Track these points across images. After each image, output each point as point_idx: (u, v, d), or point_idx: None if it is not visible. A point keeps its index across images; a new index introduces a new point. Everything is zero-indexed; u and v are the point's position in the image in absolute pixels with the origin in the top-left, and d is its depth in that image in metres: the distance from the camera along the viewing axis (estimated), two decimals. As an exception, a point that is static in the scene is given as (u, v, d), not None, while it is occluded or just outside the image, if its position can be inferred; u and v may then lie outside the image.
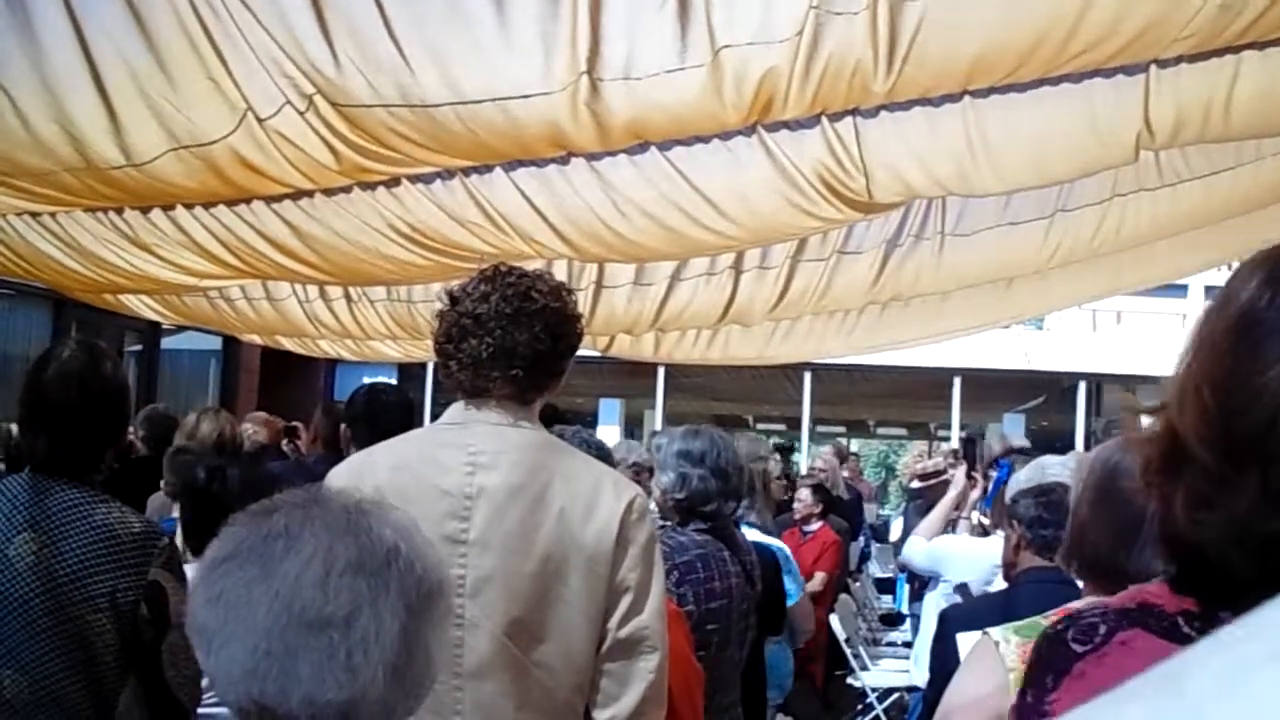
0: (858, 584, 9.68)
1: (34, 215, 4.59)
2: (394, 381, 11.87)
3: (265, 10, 2.90)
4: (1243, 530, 0.91)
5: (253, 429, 6.29)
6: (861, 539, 10.53)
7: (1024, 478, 3.29)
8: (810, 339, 7.48)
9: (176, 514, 3.60)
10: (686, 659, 2.73)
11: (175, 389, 12.01)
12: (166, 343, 11.54)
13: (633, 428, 18.82)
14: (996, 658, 1.95)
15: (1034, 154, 3.79)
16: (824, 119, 3.45)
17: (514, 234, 4.22)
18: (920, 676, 4.94)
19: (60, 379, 2.54)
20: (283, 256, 4.64)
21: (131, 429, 5.38)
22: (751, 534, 4.42)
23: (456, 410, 2.34)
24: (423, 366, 12.31)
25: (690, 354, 7.92)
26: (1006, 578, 3.13)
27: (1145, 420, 1.07)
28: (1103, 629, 1.04)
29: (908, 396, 19.62)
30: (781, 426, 22.42)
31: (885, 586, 10.62)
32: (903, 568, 6.88)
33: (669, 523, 3.42)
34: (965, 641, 2.48)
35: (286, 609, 1.21)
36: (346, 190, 4.13)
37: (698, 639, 3.04)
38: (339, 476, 2.26)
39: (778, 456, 7.66)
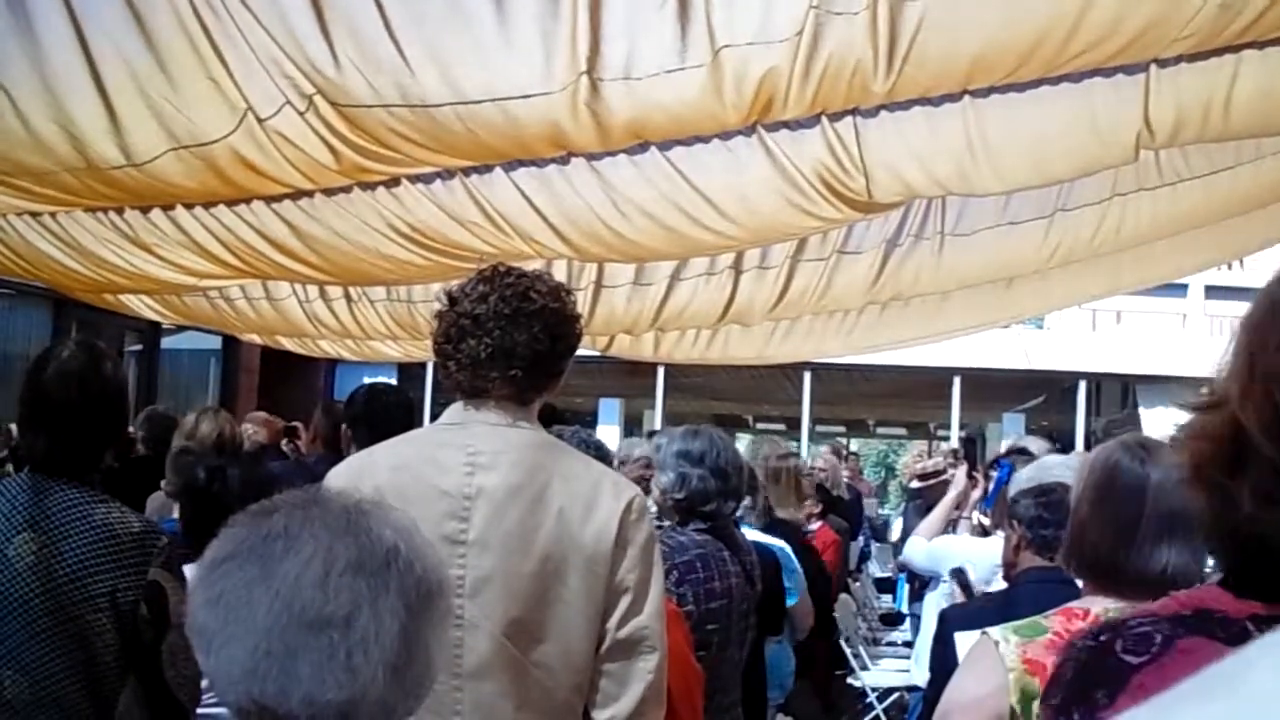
0: (858, 584, 9.68)
1: (34, 215, 4.59)
2: (394, 381, 11.87)
3: (265, 10, 2.90)
4: None
5: (252, 429, 6.29)
6: (861, 538, 10.52)
7: (1026, 477, 3.29)
8: (810, 339, 7.47)
9: (176, 514, 3.60)
10: (686, 659, 2.73)
11: (175, 389, 12.01)
12: (166, 342, 11.54)
13: (633, 428, 18.83)
14: (996, 657, 1.95)
15: (1034, 154, 3.78)
16: (824, 119, 3.45)
17: (514, 234, 4.22)
18: (920, 676, 4.94)
19: (60, 379, 2.54)
20: (283, 256, 4.64)
21: (132, 429, 5.38)
22: (752, 534, 4.42)
23: (455, 411, 2.35)
24: (423, 366, 12.31)
25: (690, 354, 7.92)
26: (1006, 578, 3.13)
27: (1177, 418, 1.05)
28: (1158, 638, 1.00)
29: (908, 396, 19.63)
30: (781, 426, 22.41)
31: (885, 586, 10.62)
32: (903, 567, 6.88)
33: (667, 523, 3.42)
34: (964, 641, 2.48)
35: (286, 609, 1.22)
36: (346, 190, 4.13)
37: (698, 639, 3.04)
38: (338, 477, 2.27)
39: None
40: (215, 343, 11.85)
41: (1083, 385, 17.72)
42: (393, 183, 4.07)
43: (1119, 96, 3.39)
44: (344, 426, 4.36)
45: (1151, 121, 3.42)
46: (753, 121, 3.31)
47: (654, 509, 3.35)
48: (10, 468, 4.88)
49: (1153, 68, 3.27)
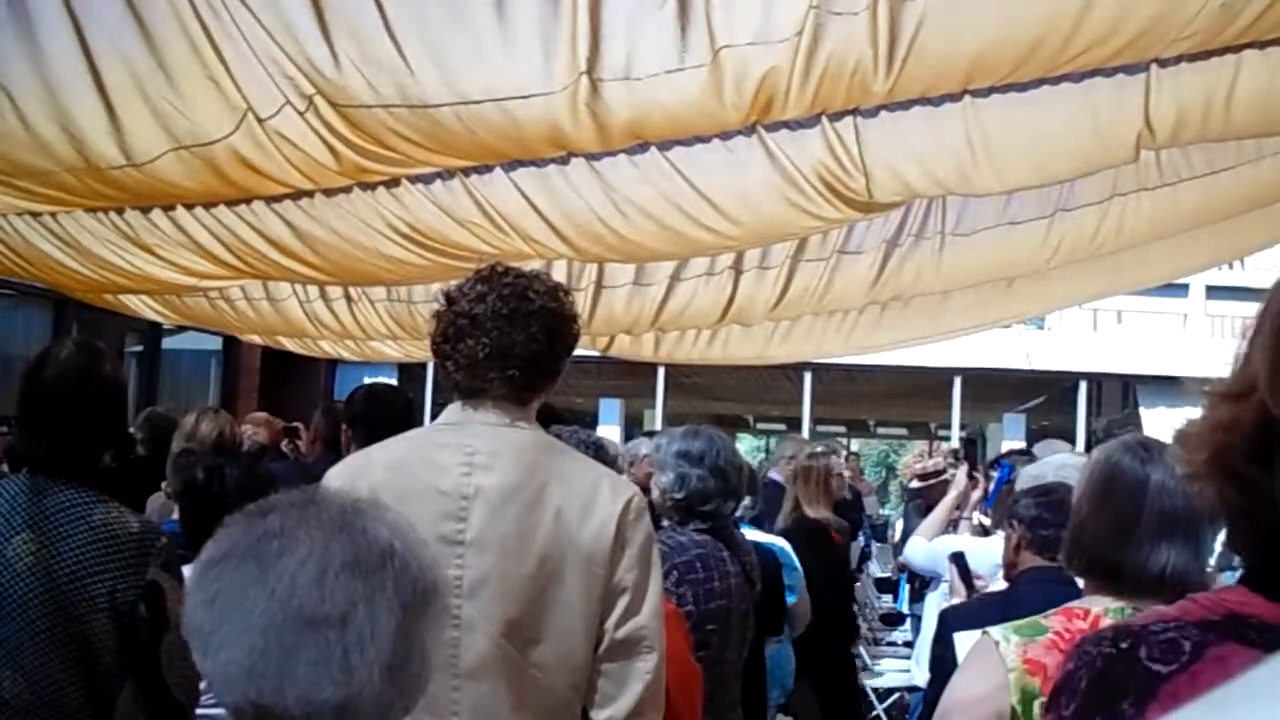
0: (858, 584, 9.67)
1: (34, 215, 4.59)
2: (394, 382, 11.87)
3: (265, 10, 2.90)
4: None
5: (252, 429, 6.28)
6: (862, 538, 10.52)
7: (1034, 474, 3.29)
8: (810, 339, 7.47)
9: (177, 516, 3.60)
10: (685, 659, 2.73)
11: (176, 389, 12.02)
12: (167, 343, 11.55)
13: (633, 428, 18.83)
14: (997, 657, 1.95)
15: (1034, 153, 3.78)
16: (824, 119, 3.45)
17: (514, 234, 4.22)
18: (921, 676, 4.94)
19: (58, 379, 2.54)
20: (283, 257, 4.64)
21: (132, 430, 5.38)
22: (752, 534, 4.42)
23: (453, 411, 2.34)
24: (423, 366, 12.31)
25: (690, 354, 7.91)
26: (1007, 577, 3.13)
27: (1183, 415, 1.02)
28: (1187, 645, 0.96)
29: (908, 396, 19.63)
30: (782, 426, 22.42)
31: (885, 586, 10.61)
32: (903, 567, 6.88)
33: (666, 523, 3.42)
34: (964, 641, 2.48)
35: (282, 609, 1.21)
36: (346, 190, 4.13)
37: (697, 639, 3.04)
38: (336, 477, 2.27)
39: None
40: (216, 343, 11.85)
41: (1083, 385, 17.73)
42: (393, 183, 4.06)
43: (1120, 96, 3.38)
44: (344, 427, 4.37)
45: (1152, 121, 3.42)
46: (753, 121, 3.30)
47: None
48: (5, 467, 4.88)
49: (1153, 67, 3.26)
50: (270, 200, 4.21)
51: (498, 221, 4.16)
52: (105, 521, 2.45)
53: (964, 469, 5.35)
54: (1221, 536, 1.74)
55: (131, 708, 2.48)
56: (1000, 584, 3.37)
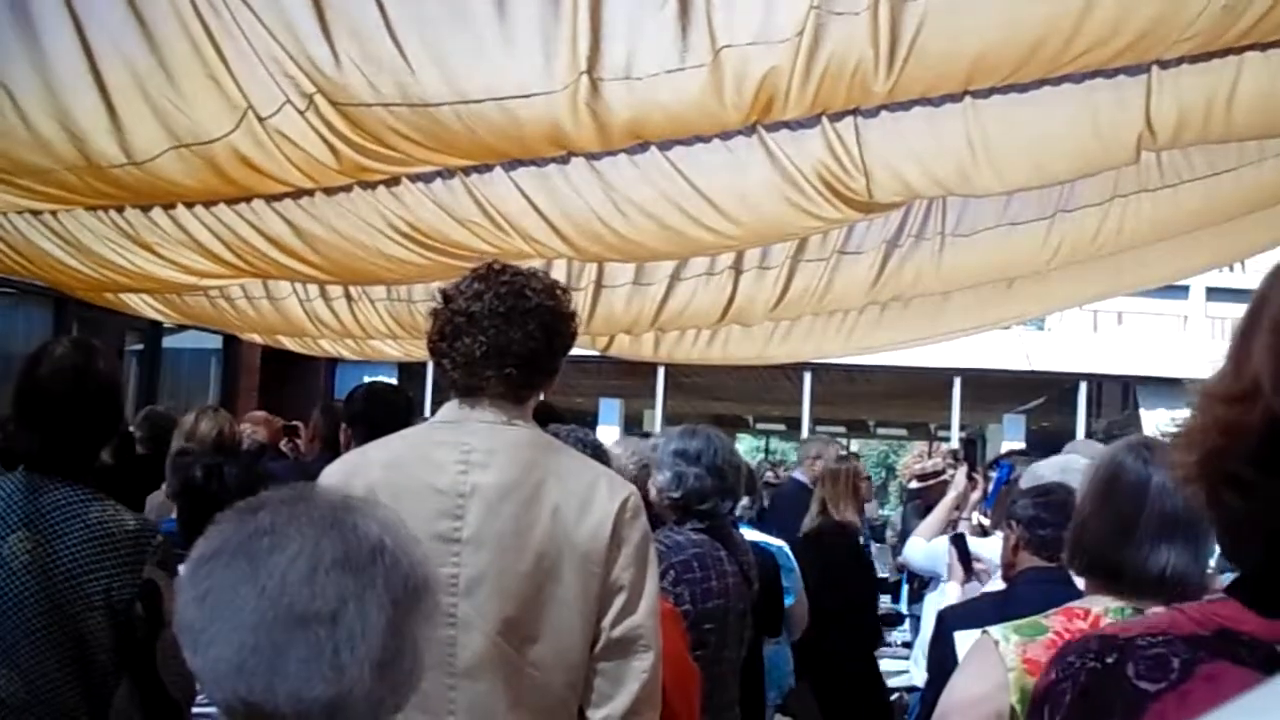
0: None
1: (35, 214, 4.59)
2: (394, 381, 11.87)
3: (266, 9, 2.90)
4: None
5: (252, 428, 6.28)
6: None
7: (1043, 472, 3.30)
8: (810, 339, 7.46)
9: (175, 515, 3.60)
10: (682, 658, 2.73)
11: (176, 388, 12.01)
12: (167, 341, 11.54)
13: (633, 428, 18.82)
14: (996, 656, 1.95)
15: (1035, 154, 3.78)
16: (824, 119, 3.44)
17: (514, 234, 4.22)
18: (920, 676, 4.93)
19: (54, 376, 2.54)
20: (283, 255, 4.64)
21: (131, 428, 5.38)
22: (751, 534, 4.41)
23: (450, 409, 2.34)
24: (423, 366, 12.30)
25: (690, 354, 7.91)
26: (1005, 577, 3.13)
27: (1177, 415, 1.00)
28: (1176, 662, 0.93)
29: (908, 396, 19.62)
30: (781, 426, 22.41)
31: (885, 587, 10.60)
32: (902, 568, 6.88)
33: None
34: (963, 641, 2.48)
35: (273, 605, 1.21)
36: (347, 189, 4.13)
37: (694, 638, 3.03)
38: (332, 475, 2.26)
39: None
40: (216, 342, 11.85)
41: (1084, 386, 17.72)
42: (393, 182, 4.06)
43: (1120, 97, 3.38)
44: (344, 426, 4.37)
45: (1153, 122, 3.42)
46: (753, 121, 3.30)
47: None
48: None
49: (1154, 69, 3.26)
50: (270, 199, 4.21)
51: (498, 221, 4.16)
52: (101, 519, 2.45)
53: (963, 470, 5.35)
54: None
55: (127, 706, 2.48)
56: (999, 583, 3.37)
